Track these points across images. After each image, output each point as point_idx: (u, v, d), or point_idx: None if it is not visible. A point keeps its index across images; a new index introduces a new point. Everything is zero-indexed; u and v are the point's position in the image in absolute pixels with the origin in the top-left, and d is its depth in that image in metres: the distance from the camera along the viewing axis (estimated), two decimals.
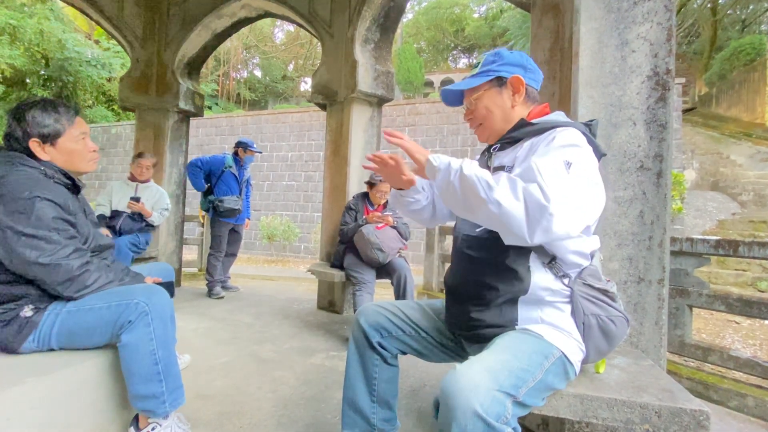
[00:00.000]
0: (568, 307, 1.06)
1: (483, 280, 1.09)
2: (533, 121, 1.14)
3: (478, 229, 1.12)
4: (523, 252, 1.04)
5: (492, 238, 1.05)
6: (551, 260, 1.05)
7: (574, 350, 1.04)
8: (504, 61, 1.16)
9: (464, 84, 1.19)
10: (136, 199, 3.36)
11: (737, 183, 9.40)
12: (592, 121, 1.14)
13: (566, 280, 1.05)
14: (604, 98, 1.52)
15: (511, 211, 0.88)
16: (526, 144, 1.10)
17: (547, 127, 1.08)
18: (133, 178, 3.53)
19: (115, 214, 3.35)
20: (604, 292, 1.08)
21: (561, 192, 0.88)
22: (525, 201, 0.88)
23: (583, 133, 1.05)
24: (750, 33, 16.74)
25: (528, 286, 1.04)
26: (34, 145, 1.36)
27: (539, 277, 1.04)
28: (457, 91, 1.24)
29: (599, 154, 1.07)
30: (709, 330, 4.60)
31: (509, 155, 1.15)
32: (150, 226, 3.55)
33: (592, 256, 1.11)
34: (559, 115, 1.16)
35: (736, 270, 6.35)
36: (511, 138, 1.16)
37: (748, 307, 2.33)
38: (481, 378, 0.87)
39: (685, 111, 10.81)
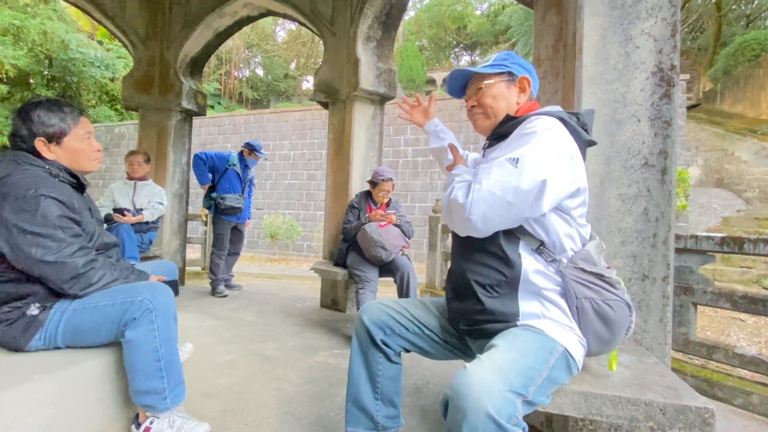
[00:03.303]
0: (564, 302, 1.07)
1: (479, 269, 1.11)
2: (519, 116, 1.17)
3: None
4: (513, 239, 1.08)
5: None
6: (539, 246, 1.07)
7: (575, 345, 1.05)
8: (515, 61, 1.22)
9: (478, 69, 1.22)
10: (120, 212, 3.33)
11: (742, 180, 9.34)
12: (578, 112, 1.15)
13: (556, 265, 1.07)
14: (607, 95, 1.51)
15: (445, 207, 1.11)
16: (510, 137, 1.13)
17: (525, 117, 1.11)
18: (129, 177, 3.55)
19: (119, 212, 3.36)
20: (599, 276, 1.07)
21: (487, 192, 1.00)
22: (452, 201, 1.06)
23: (564, 120, 1.07)
24: (755, 28, 16.60)
25: (520, 270, 1.06)
26: (39, 144, 1.36)
27: (529, 261, 1.07)
28: (463, 78, 1.27)
29: (582, 142, 1.09)
30: (713, 327, 4.58)
31: (496, 150, 1.17)
32: (154, 225, 3.57)
33: (583, 242, 1.12)
34: (549, 108, 1.16)
35: (741, 267, 6.31)
36: (498, 134, 1.19)
37: (753, 305, 2.31)
38: (492, 378, 0.88)
39: (690, 107, 10.73)
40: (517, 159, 0.99)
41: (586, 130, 1.12)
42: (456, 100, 10.51)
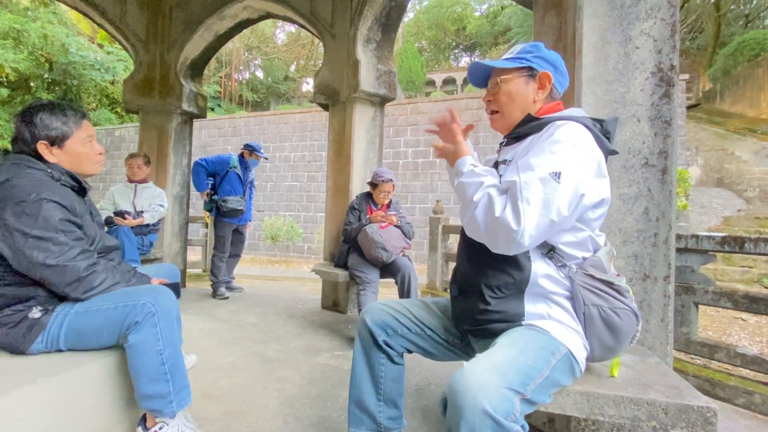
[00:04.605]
0: (571, 305, 1.06)
1: (487, 271, 1.10)
2: (541, 117, 1.13)
3: None
4: None
5: None
6: (550, 250, 1.06)
7: (580, 347, 1.04)
8: (540, 54, 1.15)
9: (496, 62, 1.17)
10: (121, 214, 3.33)
11: (742, 179, 9.34)
12: (603, 119, 1.12)
13: (566, 270, 1.06)
14: (607, 95, 1.51)
15: (483, 227, 0.99)
16: (528, 139, 1.11)
17: (548, 121, 1.08)
18: (130, 180, 3.56)
19: (119, 215, 3.37)
20: (609, 284, 1.06)
21: (537, 213, 0.93)
22: (498, 221, 0.96)
23: (589, 128, 1.05)
24: (754, 28, 16.63)
25: (529, 274, 1.04)
26: (41, 147, 1.37)
27: (539, 265, 1.05)
28: (483, 70, 1.21)
29: (606, 150, 1.06)
30: (715, 327, 4.58)
31: (512, 150, 1.15)
32: (155, 228, 3.58)
33: (595, 249, 1.11)
34: (572, 111, 1.12)
35: (742, 267, 6.30)
36: (518, 133, 1.15)
37: (754, 304, 2.31)
38: (489, 376, 0.88)
39: (689, 107, 10.74)
40: (559, 173, 0.95)
41: (608, 138, 1.09)
42: (457, 100, 10.53)
